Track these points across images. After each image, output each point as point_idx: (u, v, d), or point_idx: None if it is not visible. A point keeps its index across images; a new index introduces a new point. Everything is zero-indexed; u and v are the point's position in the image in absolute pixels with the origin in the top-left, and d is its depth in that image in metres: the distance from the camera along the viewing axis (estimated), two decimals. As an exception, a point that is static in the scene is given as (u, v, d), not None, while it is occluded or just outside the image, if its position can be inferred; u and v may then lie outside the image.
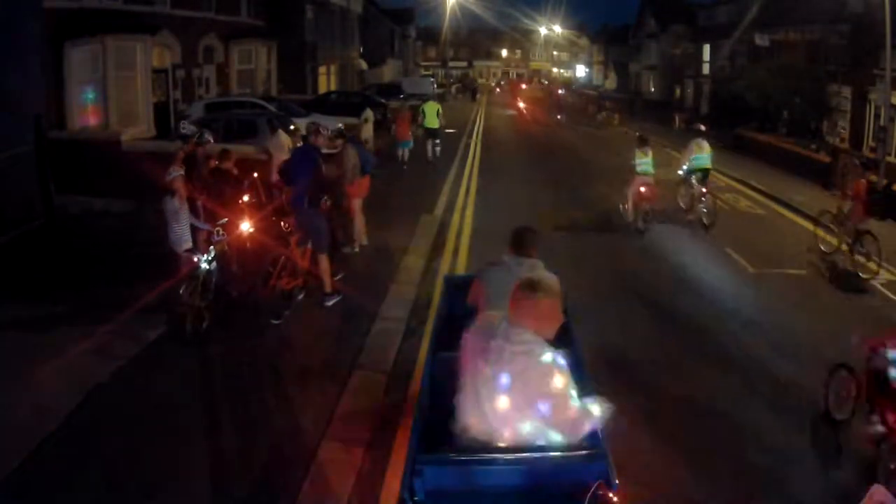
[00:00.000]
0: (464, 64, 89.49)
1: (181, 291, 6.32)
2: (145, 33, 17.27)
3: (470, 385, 2.97)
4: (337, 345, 6.51)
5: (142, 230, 9.54)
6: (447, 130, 21.63)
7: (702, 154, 12.36)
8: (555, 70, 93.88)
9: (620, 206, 12.45)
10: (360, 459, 4.62)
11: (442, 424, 3.07)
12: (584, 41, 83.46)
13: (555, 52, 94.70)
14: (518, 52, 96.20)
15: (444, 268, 9.09)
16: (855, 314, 8.31)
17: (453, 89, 56.67)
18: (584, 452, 2.92)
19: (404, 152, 17.24)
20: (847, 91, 23.10)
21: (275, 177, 9.72)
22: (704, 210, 12.03)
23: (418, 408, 3.44)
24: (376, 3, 50.73)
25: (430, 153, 18.05)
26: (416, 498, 2.80)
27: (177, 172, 7.07)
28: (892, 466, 4.49)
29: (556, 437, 2.92)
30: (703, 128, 13.77)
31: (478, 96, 52.11)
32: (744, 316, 7.93)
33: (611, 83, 66.33)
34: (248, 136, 14.02)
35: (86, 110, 15.63)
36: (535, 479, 2.90)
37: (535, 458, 2.90)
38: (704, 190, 12.16)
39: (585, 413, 2.93)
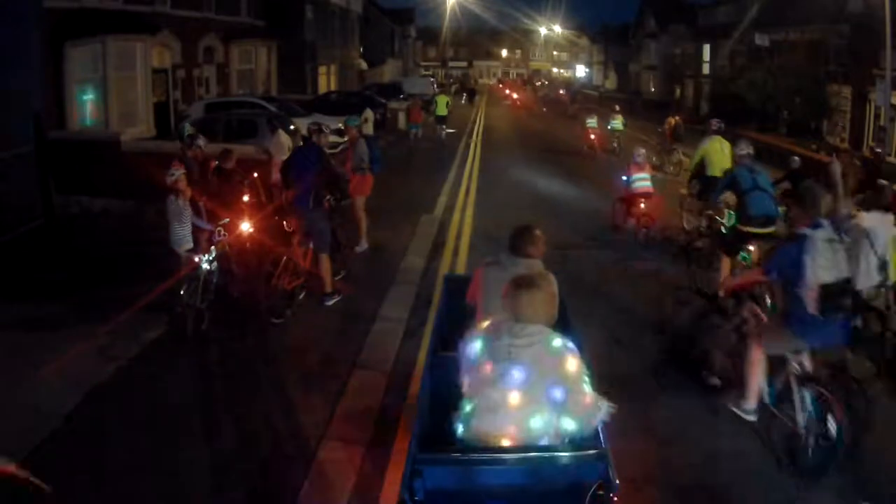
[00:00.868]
0: (464, 64, 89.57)
1: (181, 292, 6.31)
2: (145, 33, 17.29)
3: (476, 385, 2.97)
4: (337, 345, 6.51)
5: (142, 230, 9.54)
6: (448, 131, 24.68)
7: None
8: (555, 70, 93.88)
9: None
10: (360, 459, 4.61)
11: (442, 424, 3.08)
12: (584, 41, 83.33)
13: (555, 52, 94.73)
14: (518, 52, 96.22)
15: (446, 262, 9.12)
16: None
17: (452, 89, 56.55)
18: (584, 452, 2.91)
19: (417, 132, 22.35)
20: (847, 91, 23.11)
21: (275, 177, 9.71)
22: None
23: (418, 408, 3.44)
24: (376, 2, 50.80)
25: (442, 135, 23.38)
26: (416, 498, 2.79)
27: (178, 173, 7.05)
28: None
29: (570, 426, 2.89)
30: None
31: (476, 98, 49.25)
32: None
33: (611, 83, 66.32)
34: (248, 136, 14.02)
35: (85, 110, 15.64)
36: (535, 479, 2.90)
37: (536, 459, 2.90)
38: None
39: (599, 401, 2.93)
